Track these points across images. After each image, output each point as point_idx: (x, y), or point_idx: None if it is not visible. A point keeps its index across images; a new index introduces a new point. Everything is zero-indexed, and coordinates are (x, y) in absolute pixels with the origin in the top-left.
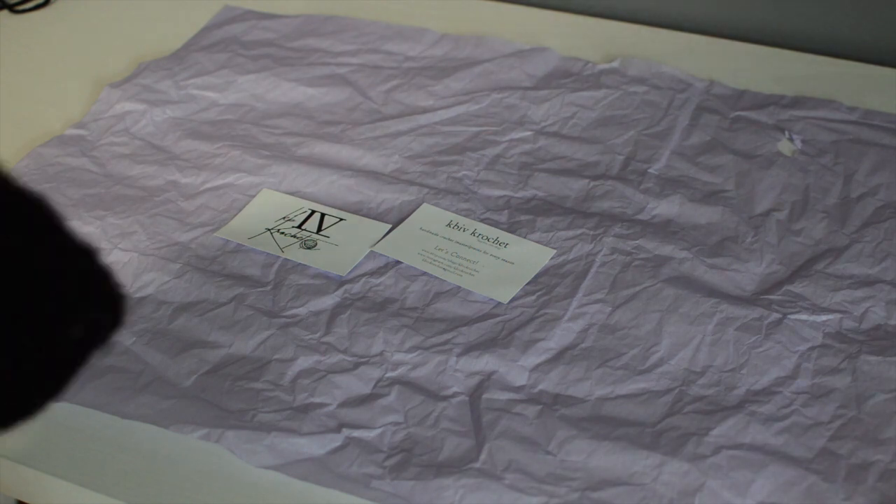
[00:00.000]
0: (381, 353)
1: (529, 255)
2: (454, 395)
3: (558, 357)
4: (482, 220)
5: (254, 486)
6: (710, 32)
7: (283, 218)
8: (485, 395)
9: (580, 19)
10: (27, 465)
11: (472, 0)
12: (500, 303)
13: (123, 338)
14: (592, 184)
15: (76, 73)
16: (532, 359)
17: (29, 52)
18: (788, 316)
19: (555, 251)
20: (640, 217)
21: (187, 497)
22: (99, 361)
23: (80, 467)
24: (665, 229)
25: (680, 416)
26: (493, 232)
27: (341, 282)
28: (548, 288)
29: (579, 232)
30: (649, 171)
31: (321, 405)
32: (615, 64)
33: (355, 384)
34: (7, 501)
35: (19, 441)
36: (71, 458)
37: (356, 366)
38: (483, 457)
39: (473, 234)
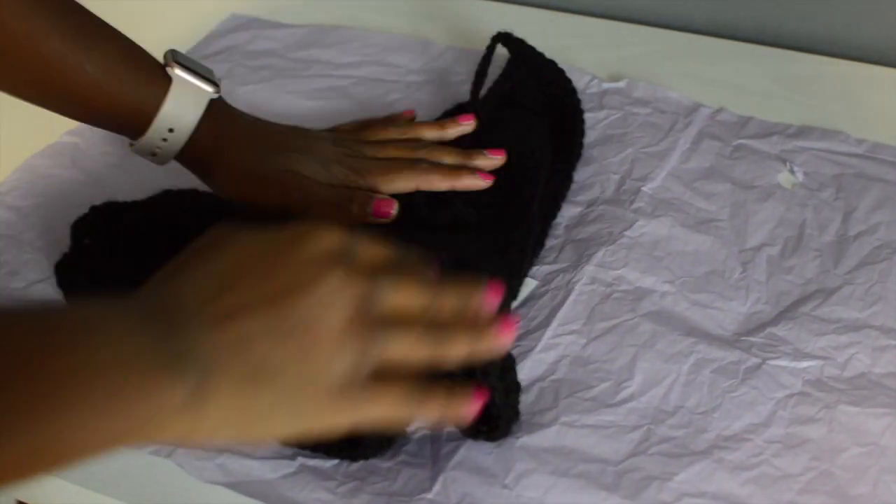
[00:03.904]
0: None
1: None
2: (416, 430)
3: (526, 389)
4: None
5: None
6: (710, 32)
7: None
8: (447, 428)
9: (580, 19)
10: None
11: (472, 1)
12: None
13: None
14: (584, 211)
15: None
16: None
17: None
18: (768, 361)
19: (537, 282)
20: (628, 234)
21: (188, 497)
22: None
23: (80, 467)
24: (650, 253)
25: (645, 457)
26: None
27: None
28: (524, 319)
29: (565, 265)
30: (643, 188)
31: None
32: (621, 84)
33: None
34: (7, 501)
35: None
36: None
37: None
38: (437, 487)
39: None
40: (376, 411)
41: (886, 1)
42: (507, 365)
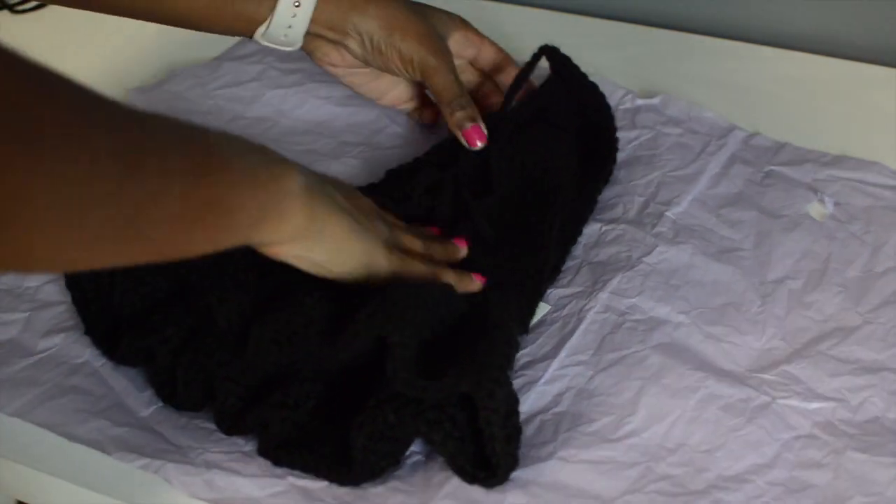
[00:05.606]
0: None
1: None
2: (409, 455)
3: (528, 421)
4: None
5: None
6: (710, 33)
7: None
8: (441, 458)
9: (580, 19)
10: (27, 465)
11: (473, 1)
12: None
13: (93, 359)
14: (604, 228)
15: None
16: None
17: (33, 53)
18: (777, 400)
19: (549, 307)
20: (646, 260)
21: (187, 498)
22: (64, 381)
23: (80, 467)
24: (667, 281)
25: (640, 495)
26: None
27: None
28: (532, 346)
29: (579, 290)
30: (667, 213)
31: None
32: (655, 101)
33: None
34: (7, 501)
35: (19, 441)
36: (71, 458)
37: None
38: None
39: None
40: (408, 266)
41: (886, 1)
42: (511, 409)
